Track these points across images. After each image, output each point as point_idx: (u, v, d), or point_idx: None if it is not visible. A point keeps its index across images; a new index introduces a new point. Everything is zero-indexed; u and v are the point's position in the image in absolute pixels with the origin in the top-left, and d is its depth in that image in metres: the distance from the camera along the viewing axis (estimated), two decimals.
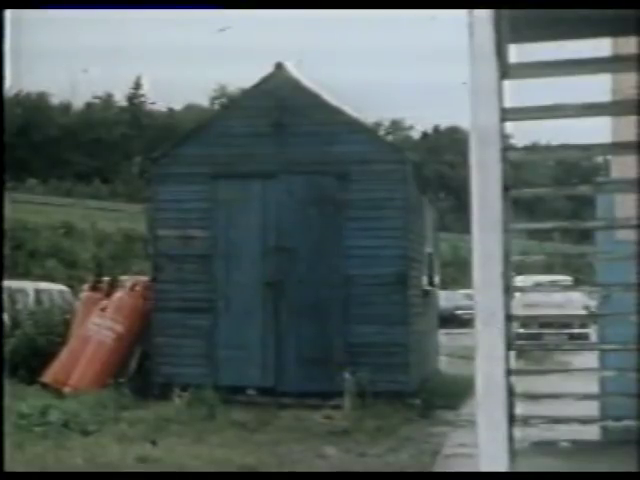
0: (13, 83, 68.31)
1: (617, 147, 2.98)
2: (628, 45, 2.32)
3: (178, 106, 77.42)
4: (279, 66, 11.40)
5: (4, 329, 12.15)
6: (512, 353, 2.27)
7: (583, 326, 19.01)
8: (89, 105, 74.90)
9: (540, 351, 13.45)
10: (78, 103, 73.98)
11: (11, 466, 6.20)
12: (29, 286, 18.08)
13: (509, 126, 2.25)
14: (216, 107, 65.21)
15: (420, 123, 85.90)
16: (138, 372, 11.31)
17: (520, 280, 20.01)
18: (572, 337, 18.85)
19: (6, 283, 14.03)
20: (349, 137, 11.04)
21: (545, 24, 2.14)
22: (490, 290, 2.10)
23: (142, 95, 76.58)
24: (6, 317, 12.52)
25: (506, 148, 2.16)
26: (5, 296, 13.43)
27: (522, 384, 2.46)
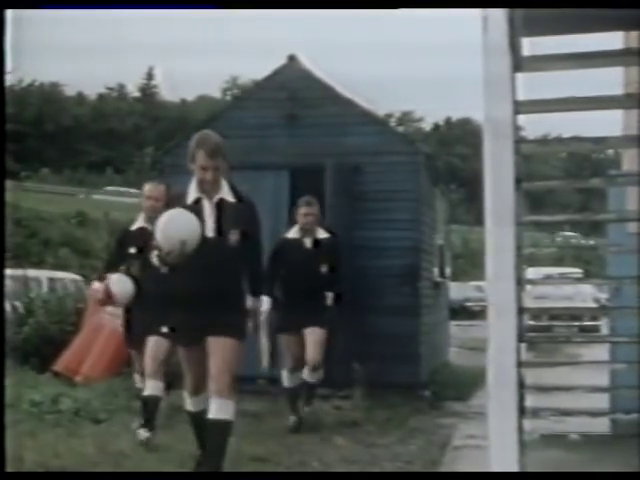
0: (26, 75, 68.50)
1: (629, 140, 2.98)
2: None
3: (190, 97, 77.54)
4: (292, 58, 11.40)
5: (18, 317, 12.23)
6: (522, 345, 2.29)
7: (594, 319, 19.00)
8: (102, 96, 75.05)
9: (550, 343, 13.46)
10: (91, 94, 74.16)
11: (23, 454, 6.26)
12: (43, 275, 18.18)
13: (520, 118, 2.26)
14: (228, 98, 65.26)
15: (431, 115, 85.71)
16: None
17: (530, 272, 20.00)
18: (582, 329, 18.83)
19: (20, 271, 14.13)
20: (361, 129, 11.03)
21: (558, 18, 2.14)
22: (503, 282, 2.12)
23: (154, 86, 76.67)
24: (20, 305, 12.60)
25: (519, 140, 2.17)
26: (19, 284, 13.51)
27: (532, 376, 2.47)
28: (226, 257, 5.66)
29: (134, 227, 7.53)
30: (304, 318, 8.19)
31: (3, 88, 4.31)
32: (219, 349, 5.58)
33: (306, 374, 8.50)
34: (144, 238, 6.88)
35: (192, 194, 5.77)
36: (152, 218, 6.98)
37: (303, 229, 8.42)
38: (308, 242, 8.41)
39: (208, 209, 5.71)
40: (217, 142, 5.81)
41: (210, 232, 5.64)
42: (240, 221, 5.73)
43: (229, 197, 5.77)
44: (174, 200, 5.82)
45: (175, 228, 5.41)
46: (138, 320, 7.36)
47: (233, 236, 5.69)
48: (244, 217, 5.77)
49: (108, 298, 7.27)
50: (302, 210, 8.42)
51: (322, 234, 8.49)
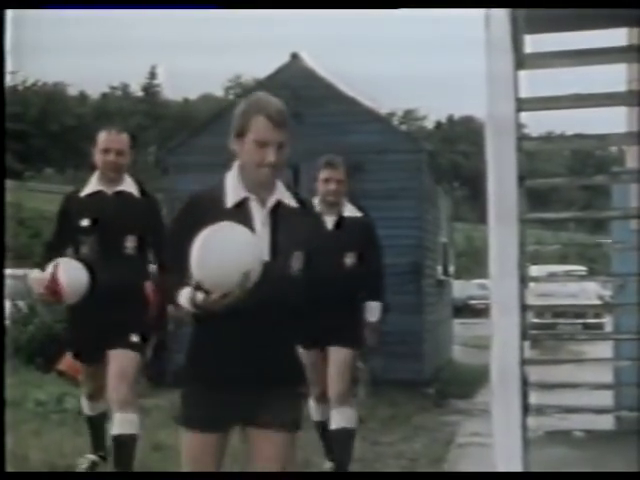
0: (29, 74, 68.64)
1: (633, 137, 2.98)
2: None
3: (193, 96, 77.61)
4: (294, 56, 11.40)
5: (22, 317, 12.24)
6: (526, 343, 2.29)
7: (597, 316, 19.01)
8: (105, 95, 75.16)
9: (554, 341, 13.46)
10: (94, 94, 74.30)
11: (28, 453, 6.27)
12: None
13: (523, 116, 2.26)
14: (231, 97, 65.35)
15: (434, 113, 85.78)
16: (154, 361, 11.34)
17: (534, 270, 19.96)
18: (586, 327, 18.84)
19: (25, 271, 14.14)
20: (364, 127, 11.04)
21: (560, 15, 2.14)
22: (506, 280, 2.12)
23: (157, 85, 76.75)
24: (24, 305, 12.60)
25: (522, 138, 2.17)
26: (24, 284, 13.50)
27: (536, 374, 2.47)
28: (286, 293, 3.34)
29: (85, 192, 5.44)
30: (324, 331, 5.74)
31: (3, 88, 4.32)
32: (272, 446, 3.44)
33: (333, 415, 5.89)
34: (101, 206, 5.32)
35: (233, 192, 3.40)
36: (113, 179, 5.44)
37: (324, 202, 5.78)
38: (329, 221, 5.75)
39: (260, 218, 3.34)
40: (282, 108, 3.38)
41: (265, 254, 3.27)
42: (306, 238, 3.44)
43: (289, 200, 3.44)
44: (201, 203, 3.51)
45: (232, 255, 3.09)
46: (94, 325, 5.27)
47: (296, 261, 3.37)
48: (309, 231, 3.50)
49: (53, 293, 5.15)
50: (322, 174, 5.79)
51: (350, 211, 5.93)
